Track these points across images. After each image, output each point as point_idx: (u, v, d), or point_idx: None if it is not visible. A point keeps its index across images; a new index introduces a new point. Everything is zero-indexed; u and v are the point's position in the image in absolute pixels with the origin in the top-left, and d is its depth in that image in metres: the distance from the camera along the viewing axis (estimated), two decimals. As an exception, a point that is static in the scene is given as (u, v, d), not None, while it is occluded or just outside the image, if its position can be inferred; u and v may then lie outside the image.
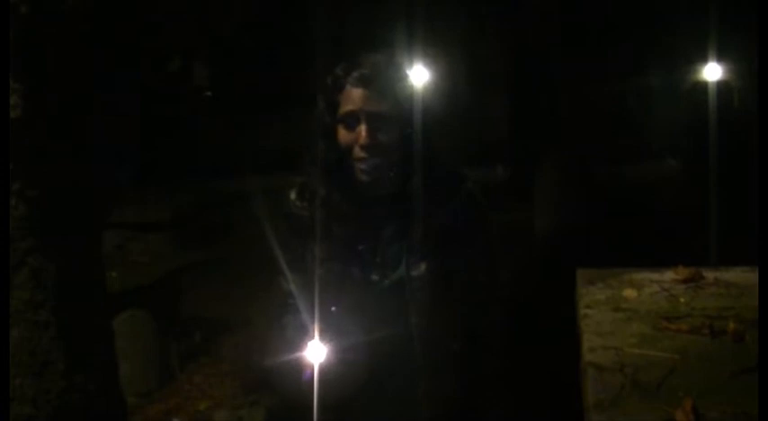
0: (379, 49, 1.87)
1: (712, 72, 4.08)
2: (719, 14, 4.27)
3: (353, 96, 1.74)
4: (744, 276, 1.94)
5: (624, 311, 1.76)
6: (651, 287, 1.90)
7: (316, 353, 1.62)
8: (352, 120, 1.75)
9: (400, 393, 1.84)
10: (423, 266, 1.79)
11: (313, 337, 1.65)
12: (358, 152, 1.74)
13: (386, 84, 1.76)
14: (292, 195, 1.86)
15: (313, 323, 1.71)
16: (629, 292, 1.86)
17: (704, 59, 4.14)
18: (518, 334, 2.10)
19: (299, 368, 1.69)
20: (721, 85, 4.09)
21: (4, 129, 1.89)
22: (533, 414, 2.28)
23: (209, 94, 6.94)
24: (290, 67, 6.31)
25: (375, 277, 1.81)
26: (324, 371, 1.62)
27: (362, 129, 1.73)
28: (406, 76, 1.83)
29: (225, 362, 4.36)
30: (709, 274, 1.95)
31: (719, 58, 4.05)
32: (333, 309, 1.76)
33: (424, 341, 1.81)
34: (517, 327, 2.10)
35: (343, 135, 1.77)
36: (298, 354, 1.69)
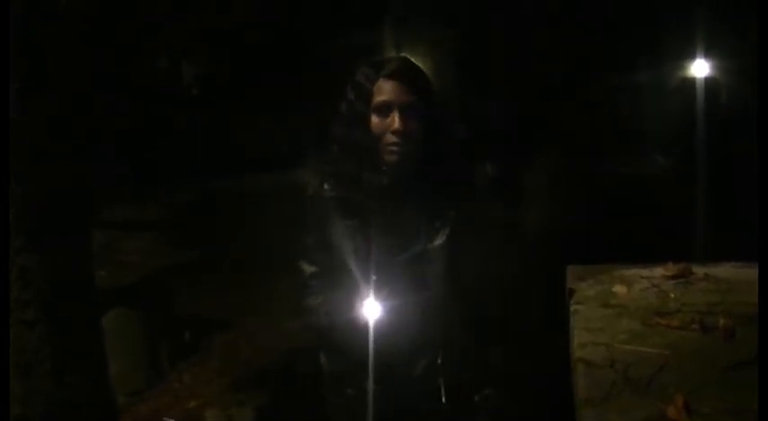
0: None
1: (700, 69, 4.10)
2: (708, 11, 4.29)
3: (386, 88, 1.92)
4: (733, 271, 1.94)
5: (614, 307, 1.76)
6: (641, 283, 1.90)
7: (371, 310, 1.87)
8: (385, 110, 1.91)
9: (417, 358, 2.00)
10: (439, 238, 1.96)
11: (365, 298, 1.89)
12: (390, 137, 1.91)
13: (413, 77, 1.95)
14: (315, 181, 2.01)
15: (361, 287, 1.91)
16: (619, 288, 1.86)
17: (692, 56, 4.16)
18: (512, 333, 2.13)
19: (354, 326, 1.90)
20: (709, 81, 4.12)
21: (5, 129, 1.90)
22: (529, 411, 2.29)
23: (197, 93, 6.91)
24: (288, 67, 6.30)
25: (399, 249, 1.96)
26: (380, 324, 1.87)
27: (395, 117, 1.90)
28: (424, 71, 2.02)
29: (214, 360, 4.36)
30: (699, 270, 1.95)
31: (707, 55, 4.08)
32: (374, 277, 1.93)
33: (441, 308, 1.96)
34: (511, 325, 2.13)
35: (377, 123, 1.93)
36: (352, 314, 1.90)
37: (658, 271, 1.97)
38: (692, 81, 4.21)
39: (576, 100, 5.82)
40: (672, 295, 1.81)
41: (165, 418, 3.70)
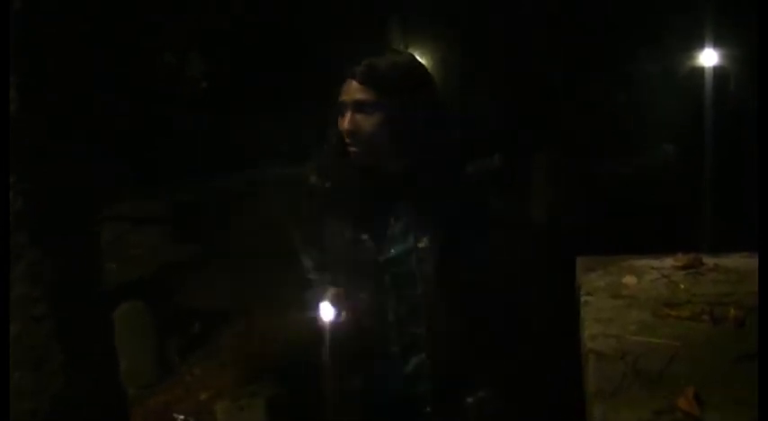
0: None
1: (700, 67, 4.11)
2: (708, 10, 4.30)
3: (347, 88, 1.92)
4: (743, 262, 1.93)
5: (624, 298, 1.75)
6: (651, 274, 1.89)
7: (327, 312, 1.92)
8: (343, 109, 1.93)
9: (406, 358, 1.99)
10: (427, 239, 1.94)
11: (328, 299, 1.94)
12: (345, 137, 1.92)
13: (376, 77, 1.90)
14: (312, 175, 2.04)
15: (332, 289, 1.96)
16: (629, 279, 1.85)
17: (692, 56, 4.17)
18: (514, 330, 2.12)
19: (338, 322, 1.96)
20: (711, 78, 4.12)
21: (5, 129, 1.90)
22: (534, 407, 2.29)
23: (197, 93, 6.92)
24: (288, 67, 6.31)
25: (385, 248, 1.96)
26: (339, 326, 1.92)
27: (346, 116, 1.90)
28: (407, 71, 1.97)
29: (224, 352, 4.36)
30: (709, 260, 1.94)
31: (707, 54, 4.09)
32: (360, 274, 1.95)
33: (429, 308, 1.95)
34: (514, 322, 2.13)
35: (339, 121, 1.95)
36: (336, 310, 1.96)
37: (668, 261, 1.96)
38: (693, 78, 4.21)
39: (576, 100, 5.83)
40: (682, 286, 1.80)
41: (174, 415, 3.69)
